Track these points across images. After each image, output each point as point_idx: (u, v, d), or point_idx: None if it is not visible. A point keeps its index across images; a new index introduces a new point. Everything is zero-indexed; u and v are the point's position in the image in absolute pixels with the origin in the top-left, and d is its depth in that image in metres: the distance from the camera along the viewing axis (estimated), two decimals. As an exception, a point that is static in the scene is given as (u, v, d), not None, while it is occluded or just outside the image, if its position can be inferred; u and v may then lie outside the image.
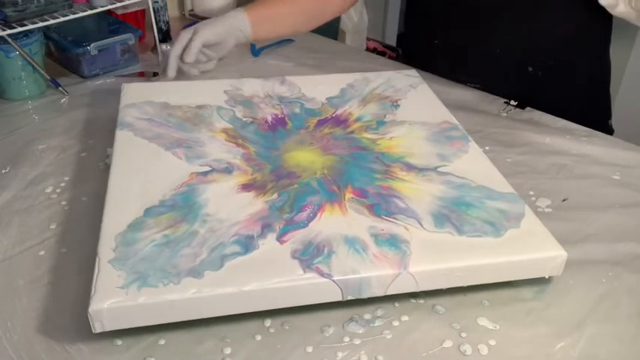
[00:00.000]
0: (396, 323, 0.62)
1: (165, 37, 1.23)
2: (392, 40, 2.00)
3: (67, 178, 0.82)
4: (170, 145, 0.79)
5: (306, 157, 0.79)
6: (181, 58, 0.94)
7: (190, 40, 0.93)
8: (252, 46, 1.26)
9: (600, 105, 1.17)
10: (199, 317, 0.58)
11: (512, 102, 1.05)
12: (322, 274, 0.59)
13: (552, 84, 1.09)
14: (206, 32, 0.94)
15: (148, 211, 0.66)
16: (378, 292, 0.61)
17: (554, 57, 1.07)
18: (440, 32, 1.13)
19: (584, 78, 1.11)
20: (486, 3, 1.04)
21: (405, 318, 0.62)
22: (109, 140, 0.82)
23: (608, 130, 1.14)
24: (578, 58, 1.07)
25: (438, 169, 0.77)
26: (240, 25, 0.97)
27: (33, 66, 1.01)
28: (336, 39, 1.65)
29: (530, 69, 1.08)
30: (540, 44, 1.06)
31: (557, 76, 1.08)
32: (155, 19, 1.18)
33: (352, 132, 0.86)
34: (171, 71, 0.95)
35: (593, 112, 1.12)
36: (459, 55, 1.12)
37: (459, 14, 1.09)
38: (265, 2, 1.03)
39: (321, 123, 0.88)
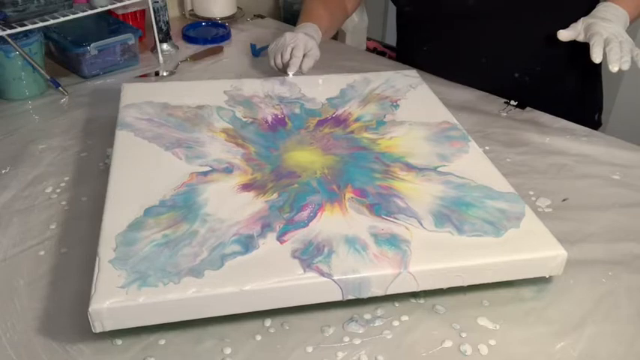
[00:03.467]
0: (396, 323, 0.62)
1: (166, 37, 1.23)
2: (392, 40, 1.99)
3: (67, 178, 0.82)
4: (170, 145, 0.79)
5: (306, 157, 0.79)
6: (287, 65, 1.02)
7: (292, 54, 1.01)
8: (252, 46, 1.26)
9: (589, 101, 1.18)
10: (199, 317, 0.58)
11: (512, 102, 1.06)
12: (322, 274, 0.59)
13: (540, 88, 1.09)
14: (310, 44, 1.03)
15: (148, 211, 0.66)
16: (378, 292, 0.61)
17: (541, 64, 1.07)
18: (427, 40, 1.14)
19: (572, 80, 1.11)
20: (466, 14, 1.05)
21: (405, 318, 0.62)
22: (109, 140, 0.82)
23: (596, 124, 1.15)
24: (565, 63, 1.08)
25: (438, 169, 0.77)
26: (315, 33, 1.07)
27: (33, 66, 1.01)
28: (336, 39, 1.64)
29: (516, 75, 1.09)
30: (525, 53, 1.06)
31: (545, 81, 1.09)
32: (155, 19, 1.18)
33: (352, 132, 0.86)
34: (294, 70, 1.01)
35: (580, 108, 1.13)
36: (447, 61, 1.13)
37: (442, 23, 1.10)
38: (310, 11, 1.12)
39: (321, 123, 0.88)
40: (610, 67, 0.86)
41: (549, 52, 1.04)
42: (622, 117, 1.83)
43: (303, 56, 1.00)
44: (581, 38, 0.94)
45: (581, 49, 0.93)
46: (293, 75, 1.01)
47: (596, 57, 0.87)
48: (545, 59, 1.07)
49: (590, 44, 0.89)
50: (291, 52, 1.00)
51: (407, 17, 1.20)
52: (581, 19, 0.94)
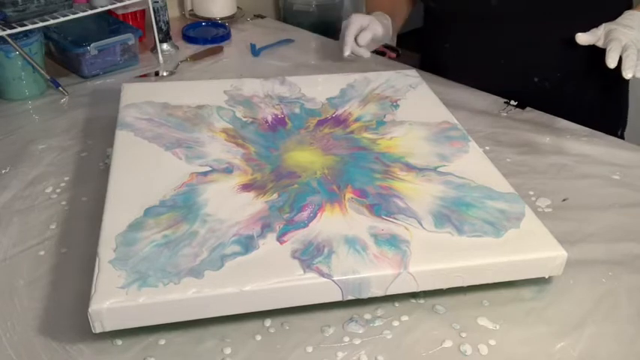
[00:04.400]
0: (396, 323, 0.62)
1: (166, 37, 1.23)
2: (392, 40, 2.00)
3: (67, 178, 0.82)
4: (170, 145, 0.79)
5: (306, 157, 0.79)
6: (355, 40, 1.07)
7: (361, 27, 1.07)
8: (252, 46, 1.26)
9: (611, 115, 1.15)
10: (199, 317, 0.58)
11: (512, 102, 1.06)
12: (322, 274, 0.59)
13: (560, 96, 1.08)
14: (365, 21, 1.08)
15: (148, 211, 0.66)
16: (378, 292, 0.61)
17: (561, 70, 1.06)
18: (449, 37, 1.14)
19: (594, 90, 1.10)
20: (488, 14, 1.04)
21: (405, 318, 0.62)
22: (109, 140, 0.82)
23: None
24: (585, 70, 1.06)
25: (438, 169, 0.77)
26: (384, 17, 1.12)
27: (33, 66, 1.01)
28: (336, 39, 1.64)
29: (535, 79, 1.08)
30: (543, 57, 1.05)
31: (564, 88, 1.08)
32: (155, 19, 1.18)
33: (352, 132, 0.86)
34: (348, 51, 1.08)
35: (602, 121, 1.09)
36: (467, 61, 1.12)
37: (464, 22, 1.09)
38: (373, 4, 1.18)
39: (321, 123, 0.88)
40: (624, 73, 0.83)
41: (571, 57, 1.02)
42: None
43: (361, 31, 1.06)
44: (600, 44, 0.91)
45: (603, 58, 0.91)
46: (348, 55, 1.07)
47: (611, 62, 0.85)
48: (566, 66, 1.06)
49: (607, 49, 0.86)
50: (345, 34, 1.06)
51: (431, 13, 1.19)
52: (603, 24, 0.92)
